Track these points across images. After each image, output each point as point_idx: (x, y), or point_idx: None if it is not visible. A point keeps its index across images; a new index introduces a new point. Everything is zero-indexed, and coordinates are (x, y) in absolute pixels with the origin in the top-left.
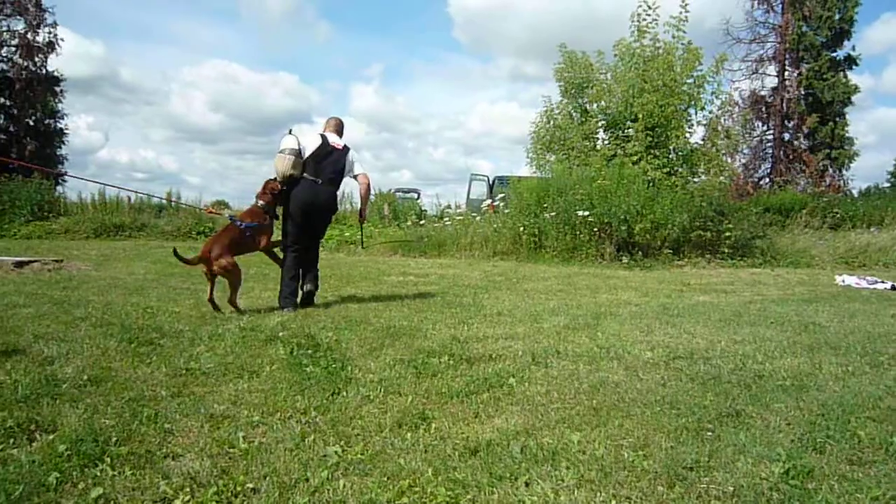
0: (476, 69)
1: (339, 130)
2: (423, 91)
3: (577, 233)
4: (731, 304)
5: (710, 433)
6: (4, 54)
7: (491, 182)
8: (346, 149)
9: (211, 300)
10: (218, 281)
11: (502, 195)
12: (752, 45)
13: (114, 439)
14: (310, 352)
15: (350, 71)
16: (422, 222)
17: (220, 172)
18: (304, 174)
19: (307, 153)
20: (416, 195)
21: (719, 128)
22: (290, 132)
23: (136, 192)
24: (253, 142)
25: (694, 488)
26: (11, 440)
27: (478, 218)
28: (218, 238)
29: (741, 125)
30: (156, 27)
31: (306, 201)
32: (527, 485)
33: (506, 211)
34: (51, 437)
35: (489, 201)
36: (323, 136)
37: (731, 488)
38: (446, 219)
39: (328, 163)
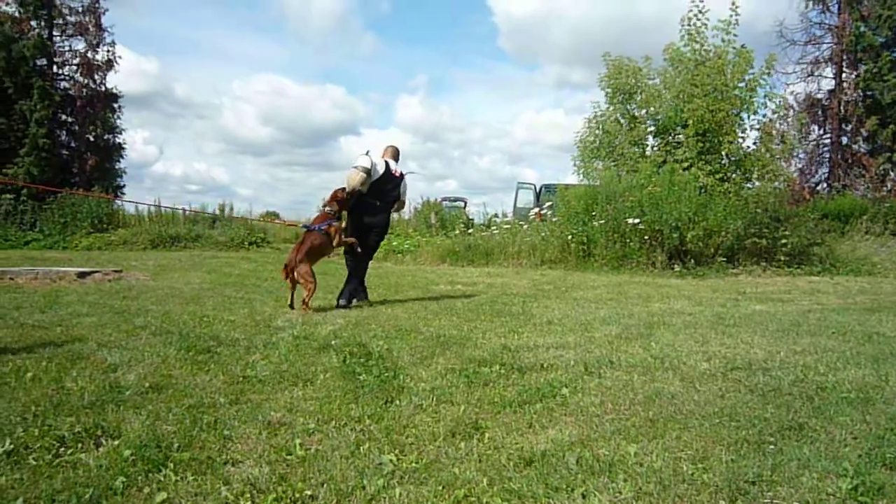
0: (521, 77)
1: (397, 157)
2: (467, 100)
3: (627, 240)
4: (788, 313)
5: (771, 446)
6: (66, 73)
7: (538, 190)
8: (402, 176)
9: (291, 304)
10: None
11: (549, 203)
12: (807, 47)
13: (176, 445)
14: (362, 360)
15: (396, 82)
16: (469, 231)
17: (270, 184)
18: (366, 195)
19: (375, 176)
20: (462, 204)
21: (773, 132)
22: (367, 153)
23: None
24: (301, 154)
25: (757, 503)
26: (79, 445)
27: (525, 226)
28: (298, 247)
29: (796, 129)
30: (206, 43)
31: (368, 223)
32: (583, 497)
33: (553, 219)
34: (116, 442)
35: (536, 209)
36: (387, 163)
37: (796, 503)
38: (493, 227)
39: (389, 189)
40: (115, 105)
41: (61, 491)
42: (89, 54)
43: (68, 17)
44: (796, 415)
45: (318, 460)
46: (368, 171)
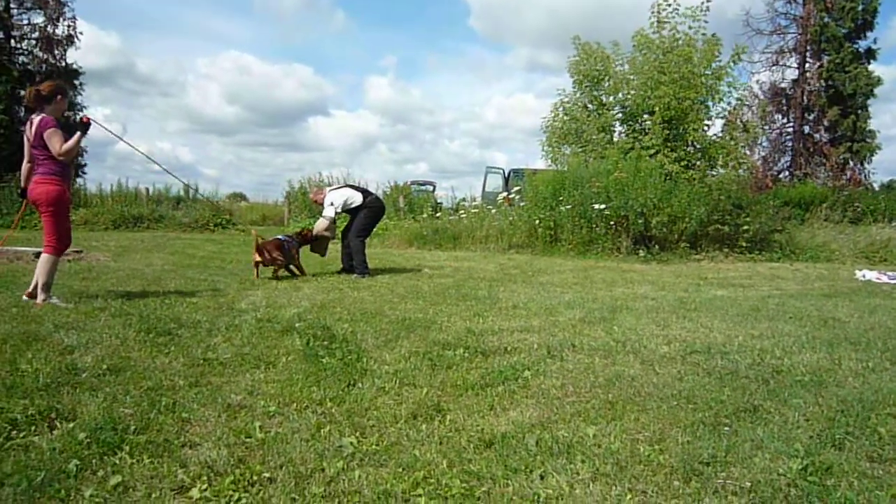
0: (492, 59)
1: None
2: (438, 82)
3: (594, 226)
4: (748, 298)
5: (727, 428)
6: (25, 47)
7: (507, 175)
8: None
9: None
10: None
11: (518, 188)
12: (772, 37)
13: (132, 428)
14: (325, 343)
15: (365, 62)
16: (437, 215)
17: (235, 164)
18: (368, 195)
19: (345, 209)
20: (431, 188)
21: (738, 120)
22: (331, 204)
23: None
24: (268, 134)
25: (710, 483)
26: (33, 427)
27: (493, 211)
28: (270, 244)
29: (760, 118)
30: (170, 18)
31: (382, 207)
32: (542, 478)
33: (521, 204)
34: (71, 425)
35: (505, 194)
36: (345, 199)
37: (749, 484)
38: (462, 211)
39: (353, 205)
40: (77, 82)
41: (11, 474)
42: (49, 28)
43: None
44: (752, 397)
45: (278, 443)
46: (335, 221)
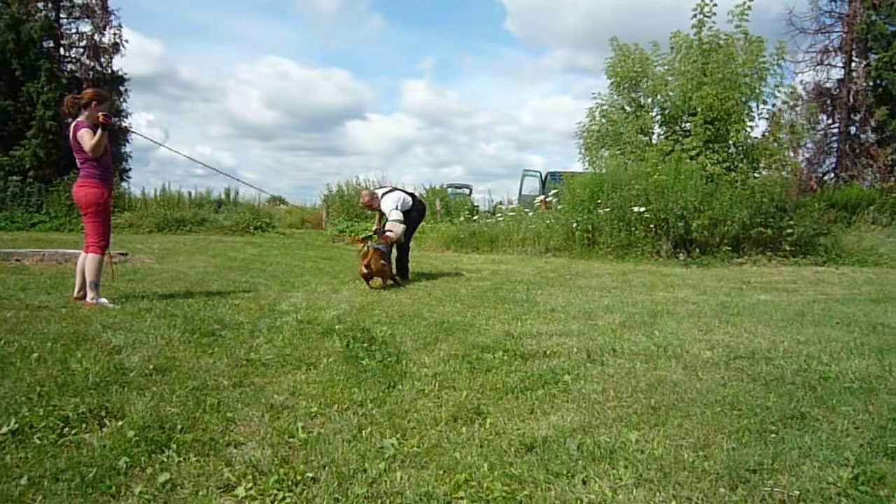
0: (529, 62)
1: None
2: (475, 85)
3: (633, 229)
4: (793, 303)
5: (773, 435)
6: (73, 55)
7: (543, 178)
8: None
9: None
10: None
11: (555, 191)
12: (816, 36)
13: (179, 427)
14: (365, 345)
15: (402, 65)
16: (474, 218)
17: (275, 168)
18: (414, 197)
19: (406, 208)
20: (468, 191)
21: (782, 121)
22: (396, 207)
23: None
24: (307, 138)
25: (757, 491)
26: (84, 425)
27: (530, 214)
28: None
29: (805, 118)
30: (211, 25)
31: (426, 208)
32: (584, 482)
33: (559, 207)
34: (120, 423)
35: (542, 197)
36: (401, 198)
37: (797, 492)
38: (498, 214)
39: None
40: (122, 88)
41: (65, 470)
42: (96, 37)
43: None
44: (798, 404)
45: (321, 443)
46: (403, 221)
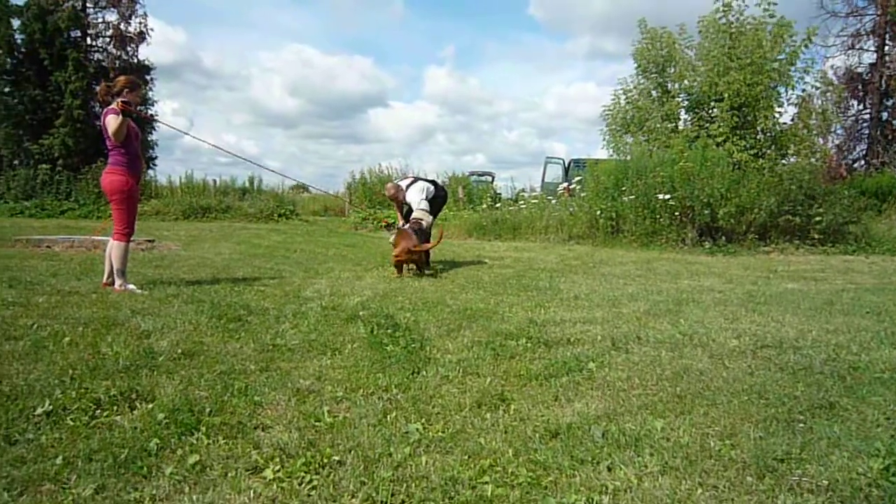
0: (552, 48)
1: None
2: (496, 72)
3: (657, 217)
4: (821, 292)
5: (801, 425)
6: (100, 45)
7: (567, 165)
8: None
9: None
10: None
11: (578, 178)
12: (848, 19)
13: (207, 410)
14: (389, 331)
15: (424, 52)
16: (497, 205)
17: (298, 156)
18: (436, 185)
19: (430, 196)
20: (490, 178)
21: (811, 107)
22: (424, 197)
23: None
24: (329, 126)
25: (785, 480)
26: (115, 407)
27: (553, 201)
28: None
29: (835, 104)
30: (233, 13)
31: (447, 195)
32: (609, 469)
33: (582, 194)
34: (150, 405)
35: (565, 184)
36: (425, 187)
37: (826, 482)
38: (521, 202)
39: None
40: (148, 77)
41: (98, 451)
42: (122, 26)
43: None
44: (827, 394)
45: (346, 427)
46: (429, 211)
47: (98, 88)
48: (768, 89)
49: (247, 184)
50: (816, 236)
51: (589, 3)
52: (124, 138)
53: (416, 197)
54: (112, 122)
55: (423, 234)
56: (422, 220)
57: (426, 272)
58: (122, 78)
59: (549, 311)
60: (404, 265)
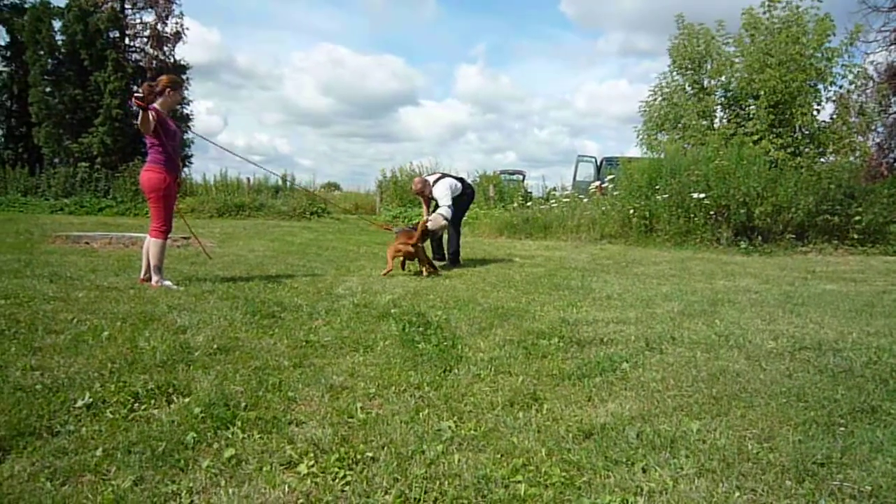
0: (584, 45)
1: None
2: (527, 70)
3: (692, 216)
4: (861, 293)
5: (842, 429)
6: (137, 45)
7: (599, 163)
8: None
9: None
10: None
11: (611, 176)
12: (891, 14)
13: (243, 405)
14: (421, 329)
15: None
16: (528, 204)
17: (329, 155)
18: (464, 182)
19: (456, 193)
20: (521, 177)
21: (851, 104)
22: (447, 194)
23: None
24: (360, 125)
25: (825, 485)
26: (153, 401)
27: (585, 200)
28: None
29: (876, 101)
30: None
31: (474, 192)
32: (644, 471)
33: (615, 193)
34: (186, 399)
35: (597, 183)
36: (450, 186)
37: (869, 488)
38: (552, 201)
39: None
40: (184, 76)
41: (137, 443)
42: (159, 26)
43: None
44: (869, 397)
45: (379, 424)
46: (447, 216)
47: (141, 88)
48: (806, 86)
49: (279, 182)
50: (856, 236)
51: (620, 0)
52: (165, 136)
53: (443, 194)
54: (143, 116)
55: (428, 235)
56: (431, 221)
57: (427, 273)
58: (164, 77)
59: (581, 311)
60: (404, 262)
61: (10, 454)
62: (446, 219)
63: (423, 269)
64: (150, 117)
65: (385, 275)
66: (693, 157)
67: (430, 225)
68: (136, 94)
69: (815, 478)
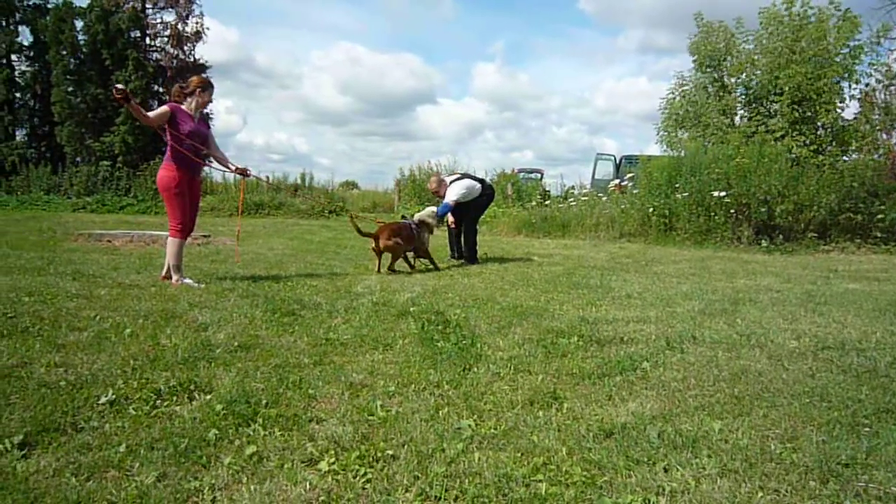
0: (602, 42)
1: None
2: (545, 67)
3: (712, 214)
4: (885, 292)
5: (866, 429)
6: (158, 45)
7: (618, 161)
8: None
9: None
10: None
11: (631, 175)
12: None
13: (264, 402)
14: (440, 328)
15: (472, 49)
16: (546, 202)
17: (348, 154)
18: (484, 183)
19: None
20: (539, 175)
21: (875, 102)
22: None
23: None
24: (378, 123)
25: (850, 486)
26: (174, 398)
27: (604, 198)
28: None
29: None
30: (285, 12)
31: (494, 193)
32: (665, 470)
33: (634, 191)
34: (208, 397)
35: (616, 181)
36: (467, 177)
37: (895, 489)
38: (571, 199)
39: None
40: (204, 76)
41: (159, 440)
42: (179, 26)
43: None
44: (894, 397)
45: (399, 422)
46: (443, 219)
47: (172, 89)
48: (831, 83)
49: (298, 180)
50: (879, 235)
51: None
52: (179, 133)
53: (452, 193)
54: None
55: (406, 232)
56: (413, 220)
57: (393, 270)
58: (195, 78)
59: (600, 310)
60: (383, 258)
61: (35, 450)
62: (436, 217)
63: (394, 265)
64: (141, 112)
65: (380, 271)
66: (713, 155)
67: (411, 224)
68: (116, 87)
69: (840, 479)
